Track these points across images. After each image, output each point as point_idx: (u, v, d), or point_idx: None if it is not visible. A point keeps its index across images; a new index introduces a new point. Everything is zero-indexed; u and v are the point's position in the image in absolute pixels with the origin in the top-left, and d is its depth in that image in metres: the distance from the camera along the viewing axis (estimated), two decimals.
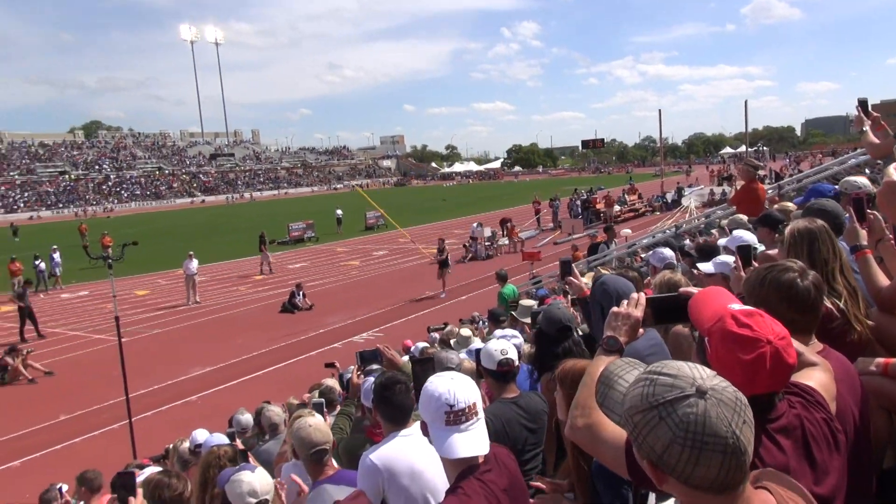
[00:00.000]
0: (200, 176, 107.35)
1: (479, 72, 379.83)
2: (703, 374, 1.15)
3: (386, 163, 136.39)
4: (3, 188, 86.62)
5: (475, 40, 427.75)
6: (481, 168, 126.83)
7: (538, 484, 2.76)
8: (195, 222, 56.08)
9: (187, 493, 3.14)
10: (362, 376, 4.25)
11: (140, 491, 3.04)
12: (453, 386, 1.99)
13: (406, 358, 6.84)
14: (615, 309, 1.94)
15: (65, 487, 5.64)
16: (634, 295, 1.98)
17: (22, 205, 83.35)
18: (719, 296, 1.65)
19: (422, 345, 7.65)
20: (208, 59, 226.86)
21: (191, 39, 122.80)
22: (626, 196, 39.80)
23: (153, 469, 5.34)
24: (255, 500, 2.50)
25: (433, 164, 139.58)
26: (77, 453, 9.71)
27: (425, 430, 2.04)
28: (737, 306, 1.52)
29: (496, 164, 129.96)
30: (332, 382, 6.15)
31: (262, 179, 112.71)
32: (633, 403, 1.18)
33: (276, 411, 4.88)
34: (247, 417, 6.60)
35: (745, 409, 1.12)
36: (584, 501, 2.46)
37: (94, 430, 10.71)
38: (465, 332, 5.78)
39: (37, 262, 24.97)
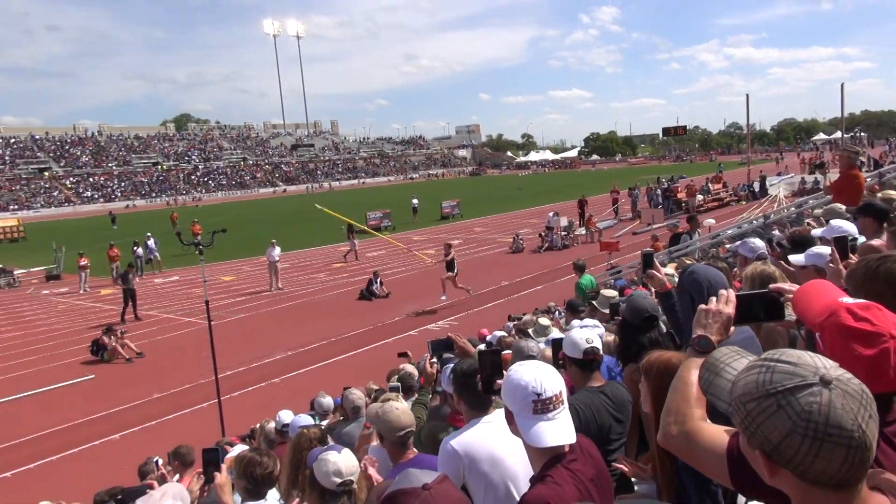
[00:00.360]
0: (282, 166, 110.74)
1: (556, 59, 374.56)
2: (825, 364, 1.09)
3: (461, 152, 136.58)
4: (102, 178, 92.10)
5: (552, 27, 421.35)
6: (557, 157, 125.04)
7: (621, 466, 2.71)
8: (277, 211, 57.92)
9: (276, 472, 3.26)
10: (436, 365, 4.27)
11: (224, 467, 3.16)
12: (539, 374, 1.98)
13: (483, 346, 6.86)
14: (704, 306, 1.85)
15: (160, 461, 5.97)
16: (724, 291, 1.89)
17: (119, 194, 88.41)
18: (827, 289, 1.56)
19: (499, 334, 7.64)
20: (290, 52, 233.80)
21: (273, 33, 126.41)
22: (710, 185, 38.30)
23: (241, 447, 5.59)
24: (339, 480, 2.56)
25: (508, 154, 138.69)
26: (170, 429, 10.26)
27: (510, 418, 2.03)
28: (849, 300, 1.43)
29: (573, 153, 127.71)
30: (412, 368, 6.23)
31: (340, 169, 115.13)
32: (748, 390, 1.12)
33: (358, 395, 4.99)
34: (328, 401, 6.80)
35: (871, 402, 1.05)
36: (668, 497, 2.39)
37: (185, 408, 11.29)
38: (544, 321, 5.73)
39: (135, 249, 26.44)
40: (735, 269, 5.09)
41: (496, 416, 2.75)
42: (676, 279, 4.41)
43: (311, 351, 14.52)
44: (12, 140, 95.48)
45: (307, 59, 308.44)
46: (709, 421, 1.62)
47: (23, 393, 12.79)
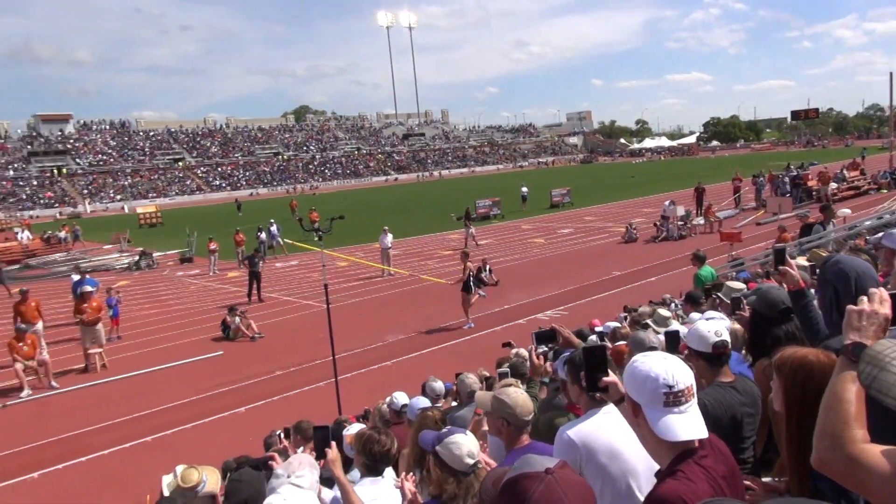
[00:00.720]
0: (394, 155, 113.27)
1: (673, 41, 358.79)
2: None
3: (572, 140, 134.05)
4: (229, 168, 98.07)
5: (670, 7, 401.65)
6: (674, 143, 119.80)
7: (750, 484, 2.56)
8: (389, 199, 59.40)
9: (394, 450, 3.35)
10: (542, 357, 4.22)
11: (334, 444, 3.28)
12: (669, 366, 1.90)
13: (594, 336, 6.71)
14: (856, 308, 1.66)
15: (282, 434, 6.30)
16: (876, 290, 1.71)
17: (244, 182, 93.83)
18: None
19: (612, 324, 7.45)
20: (402, 43, 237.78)
21: (387, 25, 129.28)
22: (846, 172, 35.32)
23: (358, 426, 5.79)
24: (472, 461, 2.60)
25: (622, 141, 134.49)
26: (291, 405, 10.81)
27: (635, 410, 1.97)
28: None
29: (690, 139, 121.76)
30: (525, 353, 6.19)
31: (450, 158, 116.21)
32: None
33: (474, 379, 5.04)
34: (439, 385, 6.89)
35: None
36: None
37: (304, 385, 11.86)
38: (664, 311, 5.51)
39: (259, 234, 28.02)
40: (879, 263, 4.67)
41: (615, 407, 2.68)
42: (809, 272, 4.11)
43: (420, 336, 14.81)
44: (151, 133, 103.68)
45: (419, 49, 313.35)
46: (870, 442, 1.46)
47: (160, 366, 13.91)
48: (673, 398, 1.84)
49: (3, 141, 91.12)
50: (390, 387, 8.93)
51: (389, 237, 22.39)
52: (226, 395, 11.85)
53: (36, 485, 8.88)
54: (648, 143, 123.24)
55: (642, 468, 2.59)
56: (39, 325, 14.58)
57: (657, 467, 1.96)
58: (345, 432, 4.87)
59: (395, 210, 47.52)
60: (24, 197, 79.07)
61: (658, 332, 4.45)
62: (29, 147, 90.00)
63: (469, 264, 15.71)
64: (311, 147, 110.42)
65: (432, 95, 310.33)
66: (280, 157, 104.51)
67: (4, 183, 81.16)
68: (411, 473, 3.05)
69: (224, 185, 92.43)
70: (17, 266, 30.96)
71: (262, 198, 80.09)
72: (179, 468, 3.67)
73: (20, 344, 13.06)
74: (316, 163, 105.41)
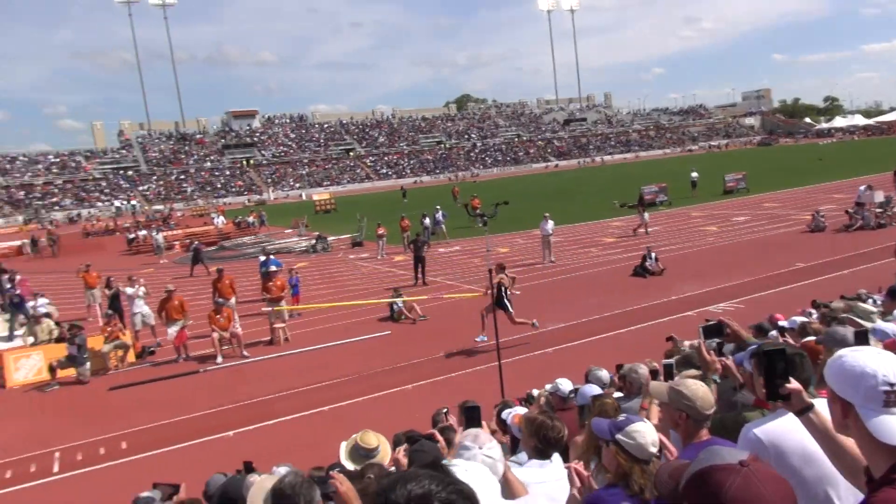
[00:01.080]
0: (554, 141, 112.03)
1: (870, 5, 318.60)
2: None
3: (748, 120, 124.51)
4: (395, 157, 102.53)
5: None
6: (871, 122, 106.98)
7: None
8: (550, 186, 58.92)
9: (564, 436, 3.35)
10: (713, 353, 3.98)
11: (485, 424, 3.32)
12: (887, 362, 1.71)
13: (775, 332, 6.21)
14: None
15: (448, 412, 6.51)
16: None
17: (409, 171, 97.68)
18: None
19: (799, 319, 6.85)
20: (563, 27, 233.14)
21: (548, 9, 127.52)
22: None
23: (520, 409, 5.84)
24: (654, 449, 2.55)
25: (806, 120, 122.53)
26: (454, 385, 11.14)
27: (844, 410, 1.80)
28: None
29: (891, 116, 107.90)
30: (692, 346, 5.90)
31: (612, 143, 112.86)
32: None
33: (645, 370, 4.88)
34: (604, 373, 6.76)
35: None
36: None
37: (467, 368, 12.17)
38: (866, 306, 4.97)
39: (423, 220, 29.08)
40: None
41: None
42: None
43: (581, 325, 14.58)
44: (325, 125, 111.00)
45: (581, 31, 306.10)
46: None
47: (335, 342, 14.93)
48: (894, 397, 1.66)
49: (202, 136, 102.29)
50: (551, 373, 8.90)
51: (551, 224, 22.21)
52: (394, 372, 12.47)
53: (231, 442, 9.94)
54: (839, 121, 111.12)
55: (843, 477, 2.37)
56: (233, 300, 16.27)
57: None
58: (507, 413, 4.95)
59: (556, 197, 47.04)
60: (219, 186, 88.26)
61: (863, 328, 4.02)
62: (223, 141, 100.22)
63: (503, 276, 13.38)
64: (472, 135, 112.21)
65: (594, 79, 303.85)
66: (442, 145, 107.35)
67: (203, 174, 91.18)
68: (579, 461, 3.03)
69: (390, 173, 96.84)
70: (213, 247, 34.75)
71: (425, 185, 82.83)
72: (360, 432, 3.94)
73: (217, 316, 14.66)
74: (476, 150, 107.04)
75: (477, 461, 2.57)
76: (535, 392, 6.87)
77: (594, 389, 4.63)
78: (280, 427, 10.38)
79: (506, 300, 13.07)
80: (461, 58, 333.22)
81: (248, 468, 5.24)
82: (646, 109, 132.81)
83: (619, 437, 2.59)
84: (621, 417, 2.76)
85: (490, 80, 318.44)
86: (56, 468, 9.62)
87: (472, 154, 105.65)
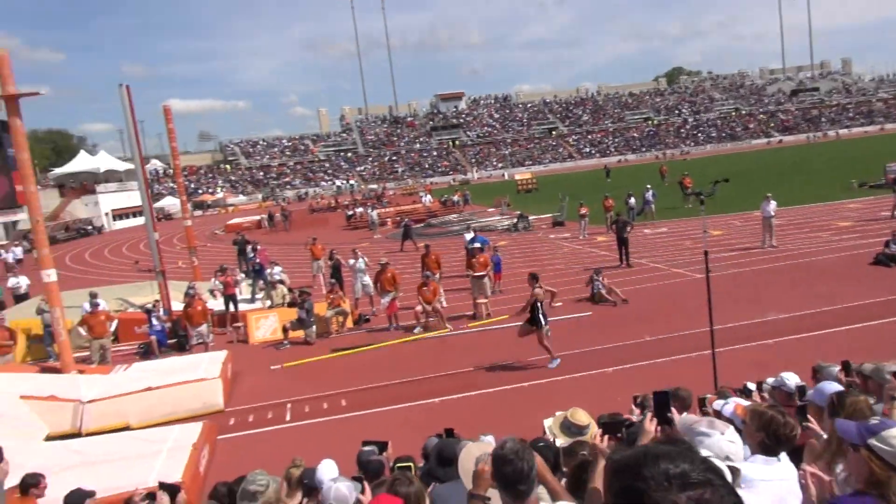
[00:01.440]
0: (779, 114, 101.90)
1: None
2: None
3: None
4: (599, 135, 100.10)
5: None
6: None
7: None
8: (772, 163, 53.79)
9: (797, 434, 3.04)
10: None
11: (679, 413, 3.06)
12: None
13: None
14: None
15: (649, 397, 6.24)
16: None
17: (613, 149, 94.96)
18: None
19: None
20: None
21: None
22: None
23: (738, 400, 5.40)
24: None
25: None
26: (659, 372, 10.65)
27: None
28: None
29: None
30: None
31: (851, 114, 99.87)
32: None
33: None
34: (836, 370, 6.03)
35: None
36: None
37: (674, 354, 11.54)
38: None
39: (628, 199, 28.05)
40: None
41: None
42: None
43: (808, 316, 13.12)
44: (529, 105, 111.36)
45: None
46: None
47: None
48: None
49: (412, 118, 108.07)
50: (770, 366, 8.17)
51: (773, 205, 20.18)
52: (596, 353, 12.25)
53: (436, 408, 10.46)
54: None
55: None
56: (437, 276, 17.04)
57: None
58: (721, 404, 4.61)
59: (779, 175, 42.76)
60: (427, 166, 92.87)
61: None
62: (431, 123, 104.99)
63: (538, 290, 11.65)
64: (684, 110, 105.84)
65: (830, 43, 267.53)
66: (650, 122, 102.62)
67: (413, 155, 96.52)
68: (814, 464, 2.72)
69: (594, 151, 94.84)
70: (421, 224, 36.69)
71: (630, 164, 79.84)
72: (570, 409, 3.91)
73: (424, 288, 15.45)
74: (688, 126, 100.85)
75: (721, 447, 2.41)
76: (752, 386, 6.32)
77: (834, 386, 4.12)
78: (481, 398, 10.71)
79: (540, 315, 11.55)
80: (673, 28, 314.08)
81: (450, 434, 5.46)
82: (893, 75, 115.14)
83: (872, 442, 2.27)
84: (874, 420, 2.42)
85: (704, 50, 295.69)
86: (288, 417, 10.87)
87: (682, 130, 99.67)
